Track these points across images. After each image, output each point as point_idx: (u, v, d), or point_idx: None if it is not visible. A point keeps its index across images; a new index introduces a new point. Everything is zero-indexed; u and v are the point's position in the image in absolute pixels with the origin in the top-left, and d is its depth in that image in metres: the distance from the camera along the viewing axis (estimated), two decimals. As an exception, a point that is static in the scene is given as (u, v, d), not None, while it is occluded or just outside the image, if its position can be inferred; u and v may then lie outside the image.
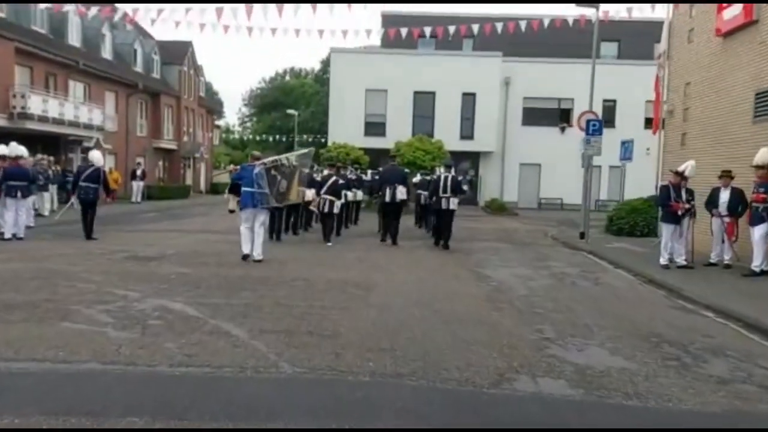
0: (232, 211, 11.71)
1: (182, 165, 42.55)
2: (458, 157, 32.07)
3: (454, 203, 13.78)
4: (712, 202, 11.78)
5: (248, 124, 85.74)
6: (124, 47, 36.68)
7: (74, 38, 30.53)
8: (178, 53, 42.42)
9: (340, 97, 32.49)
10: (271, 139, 57.88)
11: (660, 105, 24.18)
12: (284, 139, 57.27)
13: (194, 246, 12.80)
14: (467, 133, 33.07)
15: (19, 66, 25.55)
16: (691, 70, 15.60)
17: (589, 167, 17.28)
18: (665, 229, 11.62)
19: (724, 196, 11.66)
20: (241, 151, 63.10)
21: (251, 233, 10.69)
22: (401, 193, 14.47)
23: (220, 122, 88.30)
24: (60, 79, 28.39)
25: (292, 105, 75.87)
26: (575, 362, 5.37)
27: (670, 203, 11.53)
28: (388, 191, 14.53)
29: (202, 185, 46.06)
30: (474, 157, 34.17)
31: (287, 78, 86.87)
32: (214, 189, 44.04)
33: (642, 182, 22.87)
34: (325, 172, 16.35)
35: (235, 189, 11.38)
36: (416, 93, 32.88)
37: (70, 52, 29.06)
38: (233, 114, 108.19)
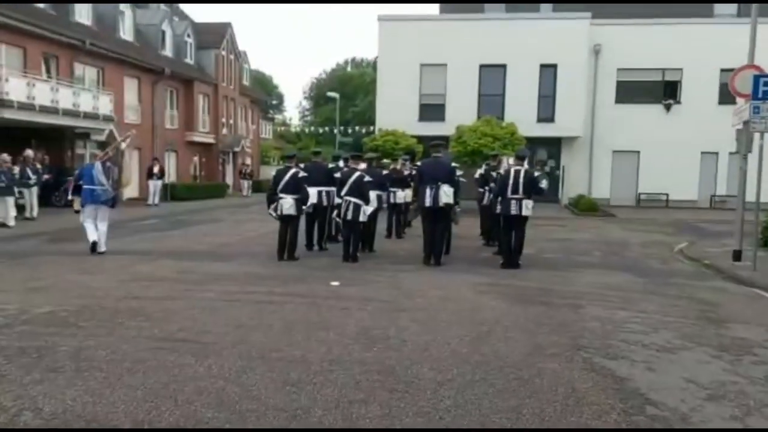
0: (77, 212, 11.35)
1: (221, 161, 38.16)
2: (535, 143, 26.17)
3: (527, 207, 10.04)
4: None
5: (308, 118, 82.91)
6: (150, 28, 32.42)
7: (83, 15, 26.30)
8: (215, 36, 38.01)
9: (390, 74, 26.96)
10: (321, 130, 53.26)
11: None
12: (341, 130, 52.53)
13: (117, 292, 7.67)
14: (546, 115, 26.85)
15: (8, 45, 21.43)
16: None
17: (749, 151, 11.10)
18: None
19: None
20: (294, 145, 58.63)
21: (94, 226, 10.96)
22: (446, 194, 10.05)
23: (280, 116, 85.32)
24: (63, 62, 24.19)
25: (350, 95, 71.38)
26: None
27: None
28: (428, 192, 10.04)
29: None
30: (555, 144, 27.94)
31: (348, 69, 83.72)
32: (257, 187, 39.33)
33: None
34: (351, 165, 11.29)
35: (78, 190, 11.21)
36: (483, 67, 26.89)
37: (76, 31, 24.83)
38: (294, 108, 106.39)
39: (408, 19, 27.57)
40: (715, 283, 9.50)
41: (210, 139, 36.20)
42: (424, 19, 28.03)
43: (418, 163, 12.32)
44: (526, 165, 10.10)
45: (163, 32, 33.14)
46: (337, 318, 6.43)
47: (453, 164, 10.76)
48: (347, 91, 71.15)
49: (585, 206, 23.47)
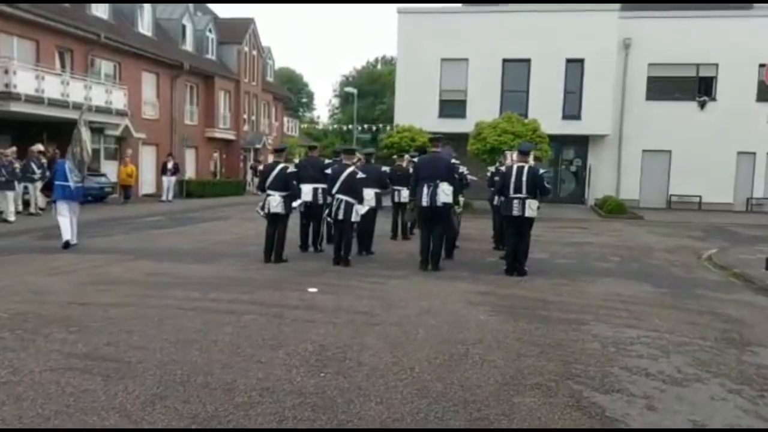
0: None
1: (242, 157, 37.74)
2: (561, 142, 25.10)
3: (531, 208, 9.00)
4: None
5: (337, 115, 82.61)
6: (170, 23, 32.09)
7: (100, 9, 26.00)
8: (237, 31, 37.63)
9: (409, 69, 26.06)
10: (346, 128, 52.64)
11: None
12: (364, 127, 51.79)
13: (66, 297, 7.02)
14: (572, 112, 25.66)
15: (20, 38, 21.17)
16: None
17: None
18: None
19: None
20: (320, 142, 58.27)
21: (69, 222, 10.91)
22: (445, 193, 9.09)
23: (309, 114, 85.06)
24: (78, 56, 23.90)
25: (378, 93, 70.59)
26: None
27: None
28: (425, 191, 9.14)
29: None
30: (581, 143, 26.73)
31: (378, 67, 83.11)
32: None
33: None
34: (343, 160, 10.50)
35: (50, 187, 11.33)
36: (506, 62, 25.80)
37: (93, 24, 24.53)
38: (325, 106, 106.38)
39: (428, 12, 26.65)
40: (744, 295, 8.45)
41: (231, 136, 35.81)
42: (444, 12, 27.03)
43: (415, 160, 11.46)
44: (531, 161, 9.15)
45: (184, 27, 32.79)
46: (297, 333, 5.64)
47: (453, 160, 9.83)
48: (375, 89, 70.41)
49: (611, 208, 22.28)
